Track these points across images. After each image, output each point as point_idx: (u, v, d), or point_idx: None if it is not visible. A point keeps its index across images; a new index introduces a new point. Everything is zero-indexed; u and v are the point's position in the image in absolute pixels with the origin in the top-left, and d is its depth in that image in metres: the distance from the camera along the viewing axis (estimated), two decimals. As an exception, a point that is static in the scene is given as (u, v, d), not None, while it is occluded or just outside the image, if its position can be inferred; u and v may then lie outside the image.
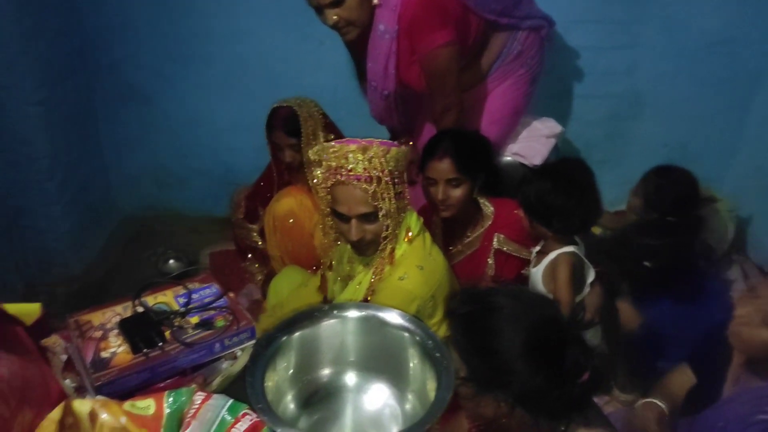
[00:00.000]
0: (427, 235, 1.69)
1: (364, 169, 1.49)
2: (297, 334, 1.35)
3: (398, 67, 2.21)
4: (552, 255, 1.87)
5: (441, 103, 2.19)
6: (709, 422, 1.46)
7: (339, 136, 2.29)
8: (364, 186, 1.49)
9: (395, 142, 1.67)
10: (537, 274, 1.91)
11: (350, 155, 1.50)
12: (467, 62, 2.29)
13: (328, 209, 1.59)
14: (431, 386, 1.27)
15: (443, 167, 1.92)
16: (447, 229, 2.15)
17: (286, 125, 2.24)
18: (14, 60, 2.30)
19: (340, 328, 1.39)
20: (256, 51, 2.81)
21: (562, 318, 1.19)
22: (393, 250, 1.59)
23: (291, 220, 2.29)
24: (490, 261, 2.05)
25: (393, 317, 1.37)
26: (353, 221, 1.54)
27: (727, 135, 2.80)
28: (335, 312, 1.40)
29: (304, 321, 1.37)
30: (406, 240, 1.61)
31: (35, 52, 2.37)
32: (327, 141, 2.07)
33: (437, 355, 1.29)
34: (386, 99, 2.33)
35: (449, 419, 1.45)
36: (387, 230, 1.56)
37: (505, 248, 2.03)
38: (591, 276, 1.91)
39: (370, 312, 1.39)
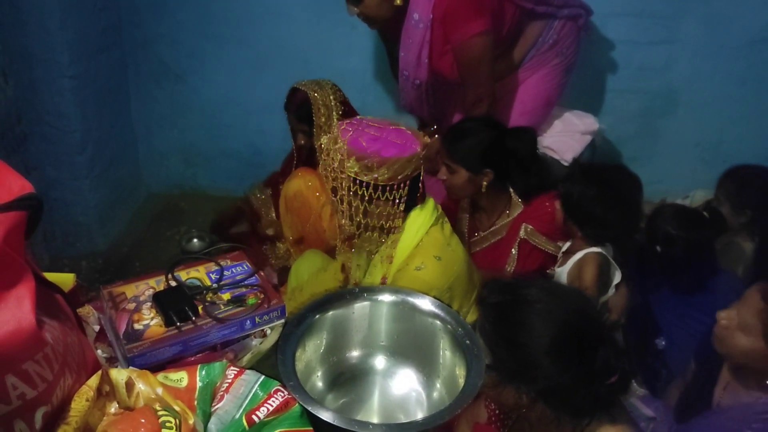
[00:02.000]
0: (447, 225, 1.68)
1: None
2: (329, 314, 1.36)
3: (431, 56, 2.20)
4: (579, 254, 1.86)
5: (473, 93, 2.17)
6: None
7: None
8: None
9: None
10: (563, 273, 1.90)
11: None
12: (501, 51, 2.27)
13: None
14: (460, 374, 1.27)
15: (441, 150, 1.97)
16: (475, 216, 2.15)
17: (298, 110, 2.23)
18: (52, 34, 2.33)
19: (372, 311, 1.39)
20: (288, 33, 2.81)
21: (598, 317, 1.17)
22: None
23: (299, 200, 2.29)
24: (514, 251, 2.04)
25: (425, 303, 1.37)
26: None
27: (763, 136, 2.74)
28: (366, 295, 1.40)
29: (335, 302, 1.37)
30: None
31: (73, 26, 2.40)
32: None
33: (467, 342, 1.29)
34: (418, 88, 2.32)
35: (469, 406, 1.45)
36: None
37: (531, 239, 2.01)
38: (617, 278, 1.89)
39: (403, 297, 1.38)
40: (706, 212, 2.04)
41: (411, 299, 1.38)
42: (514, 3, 2.16)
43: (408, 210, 1.66)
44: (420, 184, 1.67)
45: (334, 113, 2.24)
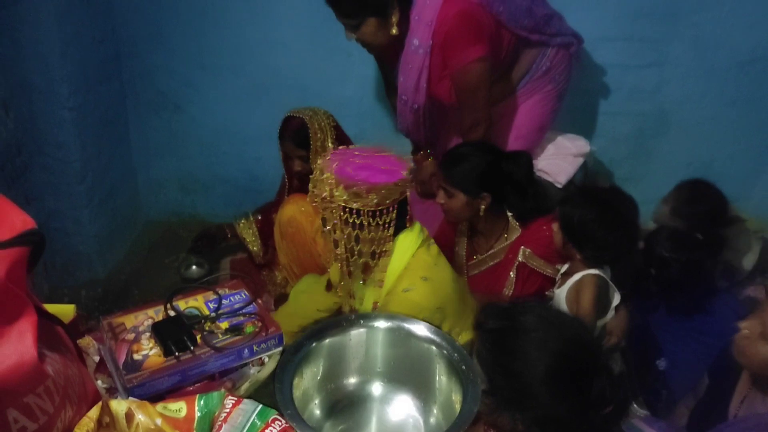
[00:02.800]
0: (433, 246, 1.72)
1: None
2: (325, 341, 1.37)
3: (429, 81, 2.23)
4: (577, 276, 1.87)
5: (470, 117, 2.20)
6: None
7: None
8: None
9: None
10: (561, 295, 1.91)
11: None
12: (497, 77, 2.31)
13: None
14: (456, 399, 1.28)
15: (439, 174, 2.01)
16: (473, 240, 2.17)
17: (295, 136, 2.28)
18: (53, 66, 2.36)
19: (368, 338, 1.41)
20: (285, 62, 2.85)
21: (594, 346, 1.18)
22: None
23: (294, 226, 2.31)
24: (512, 275, 2.05)
25: (420, 329, 1.38)
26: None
27: (753, 155, 2.78)
28: (362, 321, 1.42)
29: (331, 329, 1.39)
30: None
31: (72, 58, 2.43)
32: None
33: (463, 368, 1.30)
34: (416, 113, 2.35)
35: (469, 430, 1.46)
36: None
37: (530, 263, 2.03)
38: (616, 299, 1.91)
39: (398, 323, 1.40)
40: (700, 234, 2.06)
41: (406, 325, 1.40)
42: (511, 31, 2.21)
43: (397, 234, 1.69)
44: (407, 207, 1.71)
45: (328, 137, 2.28)
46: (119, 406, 1.08)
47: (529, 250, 2.03)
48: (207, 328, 1.43)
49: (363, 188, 1.60)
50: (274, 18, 2.76)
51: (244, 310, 1.50)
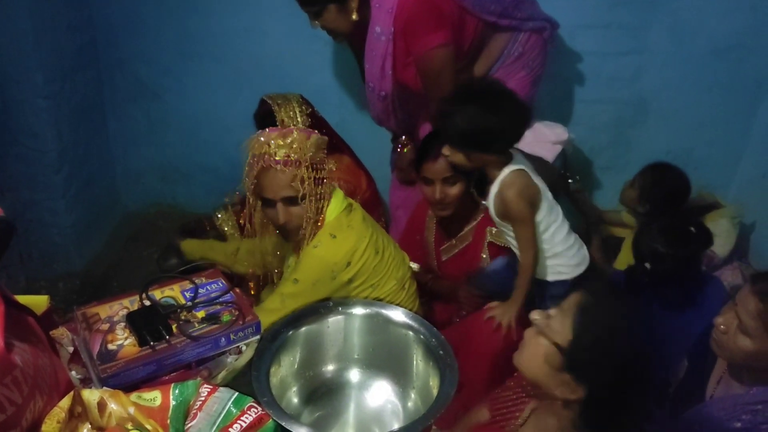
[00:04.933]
0: (356, 212, 1.76)
1: (286, 154, 1.61)
2: (302, 329, 1.37)
3: (395, 68, 2.23)
4: (498, 179, 1.78)
5: (437, 103, 2.20)
6: (688, 424, 1.48)
7: (326, 134, 2.31)
8: (286, 170, 1.61)
9: (314, 131, 1.75)
10: (489, 205, 1.83)
11: (272, 142, 1.61)
12: (465, 64, 2.30)
13: (257, 199, 1.71)
14: (434, 383, 1.29)
15: (439, 167, 1.92)
16: (443, 224, 2.16)
17: (262, 122, 2.29)
18: (27, 54, 2.33)
19: (346, 325, 1.41)
20: (265, 49, 2.82)
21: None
22: (314, 232, 1.69)
23: None
24: (485, 255, 2.05)
25: (398, 315, 1.38)
26: (278, 205, 1.65)
27: (732, 142, 2.80)
28: (340, 308, 1.42)
29: (309, 317, 1.39)
30: (319, 224, 1.71)
31: (47, 46, 2.39)
32: None
33: (441, 352, 1.31)
34: (383, 100, 2.35)
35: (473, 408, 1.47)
36: (309, 213, 1.66)
37: (497, 241, 2.03)
38: (547, 193, 1.83)
39: (375, 309, 1.40)
40: (693, 228, 2.08)
41: (384, 311, 1.40)
42: (476, 16, 2.20)
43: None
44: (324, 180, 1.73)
45: (299, 125, 2.28)
46: (91, 395, 1.07)
47: (495, 228, 2.01)
48: (183, 318, 1.42)
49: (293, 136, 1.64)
50: (254, 5, 2.73)
51: (221, 299, 1.49)
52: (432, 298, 2.21)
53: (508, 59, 2.34)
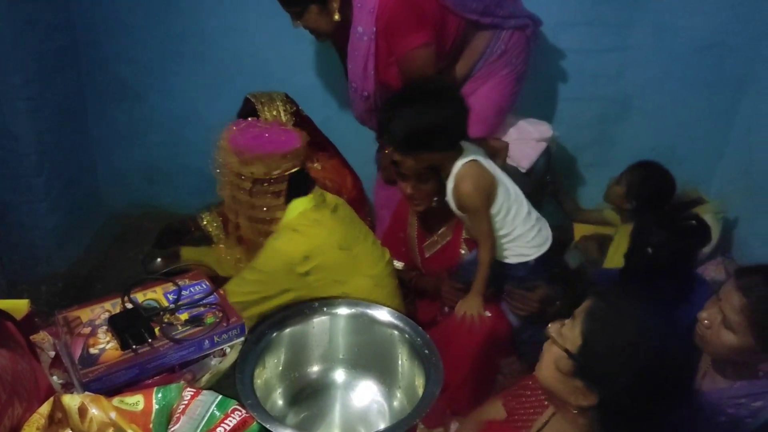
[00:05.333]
0: (326, 209, 1.78)
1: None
2: (287, 330, 1.36)
3: (377, 67, 2.23)
4: (452, 174, 1.78)
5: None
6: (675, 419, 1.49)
7: (310, 133, 2.30)
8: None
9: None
10: (450, 202, 1.84)
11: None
12: (448, 62, 2.31)
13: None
14: (419, 383, 1.29)
15: (409, 163, 1.88)
16: (424, 221, 2.16)
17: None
18: (4, 55, 2.29)
19: (331, 325, 1.40)
20: (248, 49, 2.80)
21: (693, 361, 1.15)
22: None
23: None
24: (463, 251, 2.06)
25: (383, 315, 1.38)
26: None
27: (714, 138, 2.82)
28: (325, 309, 1.41)
29: (294, 318, 1.38)
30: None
31: (26, 47, 2.36)
32: None
33: (426, 351, 1.31)
34: (366, 100, 2.34)
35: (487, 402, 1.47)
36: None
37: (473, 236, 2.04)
38: (502, 177, 1.84)
39: (360, 309, 1.39)
40: (694, 221, 2.09)
41: (369, 311, 1.39)
42: (458, 15, 2.20)
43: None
44: (306, 179, 1.78)
45: (283, 123, 2.27)
46: (72, 400, 1.06)
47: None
48: (166, 320, 1.40)
49: (251, 156, 1.70)
50: (237, 5, 2.71)
51: (204, 301, 1.48)
52: (417, 296, 2.22)
53: (491, 57, 2.35)
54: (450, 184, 1.80)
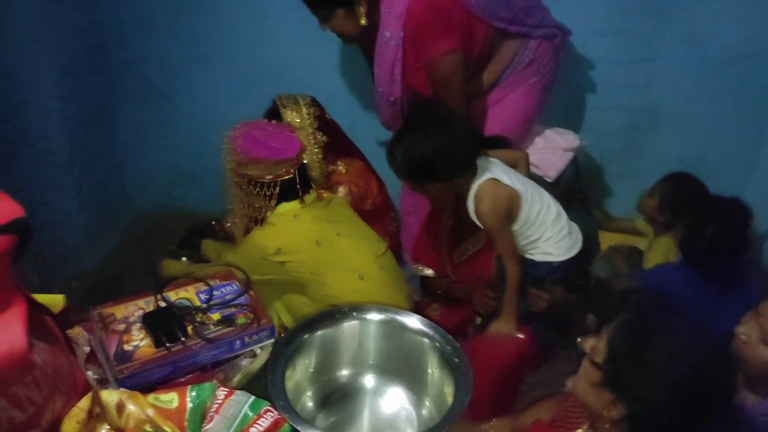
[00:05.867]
0: (305, 212, 1.88)
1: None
2: (317, 333, 1.36)
3: (404, 73, 2.23)
4: (470, 196, 1.76)
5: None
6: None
7: (335, 137, 2.34)
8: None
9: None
10: (474, 220, 1.83)
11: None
12: (476, 70, 2.30)
13: None
14: (449, 391, 1.28)
15: (421, 190, 1.90)
16: (456, 229, 2.16)
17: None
18: (37, 55, 2.32)
19: (361, 330, 1.40)
20: (275, 52, 2.82)
21: (728, 386, 1.14)
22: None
23: None
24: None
25: (413, 322, 1.37)
26: None
27: (745, 150, 2.78)
28: (356, 314, 1.41)
29: (324, 321, 1.38)
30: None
31: (57, 48, 2.39)
32: (317, 143, 2.22)
33: (456, 360, 1.30)
34: (393, 105, 2.35)
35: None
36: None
37: None
38: (525, 187, 1.82)
39: (390, 316, 1.39)
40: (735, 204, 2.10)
41: (399, 318, 1.39)
42: (486, 22, 2.20)
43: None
44: (296, 186, 1.89)
45: (307, 126, 2.29)
46: (110, 396, 1.07)
47: None
48: (198, 320, 1.41)
49: (245, 159, 1.82)
50: (264, 7, 2.73)
51: (235, 302, 1.48)
52: (447, 302, 2.21)
53: (519, 66, 2.34)
54: (470, 205, 1.80)
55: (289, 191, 1.88)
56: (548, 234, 1.82)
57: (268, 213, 1.88)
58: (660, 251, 2.43)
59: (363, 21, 2.17)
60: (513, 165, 1.98)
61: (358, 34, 2.23)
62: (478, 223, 1.82)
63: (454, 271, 2.18)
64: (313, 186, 2.02)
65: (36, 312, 1.09)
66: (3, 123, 2.30)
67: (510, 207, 1.77)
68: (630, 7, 2.58)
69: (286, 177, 1.86)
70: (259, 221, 1.90)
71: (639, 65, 2.71)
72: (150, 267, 2.58)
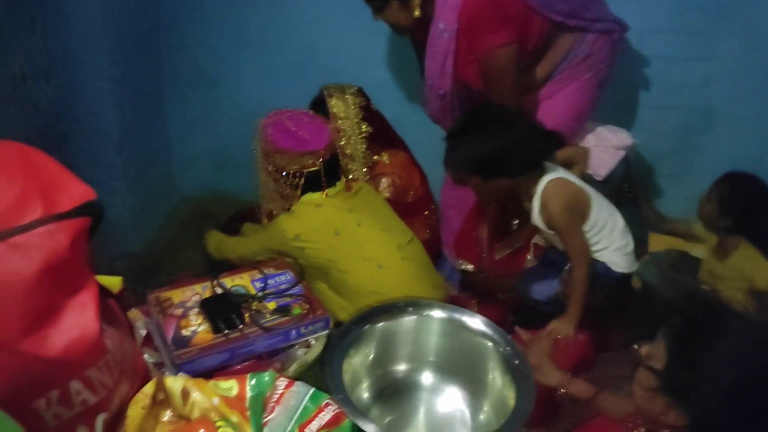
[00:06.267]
0: (329, 202, 1.91)
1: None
2: (375, 326, 1.34)
3: (456, 66, 2.20)
4: (537, 194, 1.74)
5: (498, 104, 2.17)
6: None
7: (380, 128, 2.35)
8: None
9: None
10: (538, 223, 1.80)
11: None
12: (530, 63, 2.26)
13: None
14: (509, 395, 1.25)
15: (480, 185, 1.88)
16: (499, 224, 2.14)
17: (314, 110, 2.29)
18: (94, 36, 2.35)
19: (421, 326, 1.38)
20: (322, 41, 2.81)
21: None
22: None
23: None
24: (529, 257, 2.03)
25: (475, 322, 1.35)
26: None
27: (803, 155, 2.70)
28: (416, 310, 1.39)
29: (382, 315, 1.36)
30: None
31: (113, 30, 2.42)
32: (362, 133, 2.26)
33: (516, 362, 1.27)
34: (442, 98, 2.32)
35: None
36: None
37: (541, 242, 2.00)
38: (596, 195, 1.79)
39: (452, 314, 1.37)
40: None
41: (461, 317, 1.36)
42: (543, 15, 2.15)
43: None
44: (323, 178, 1.90)
45: (352, 116, 2.27)
46: (175, 382, 1.07)
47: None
48: (254, 308, 1.41)
49: (272, 148, 1.87)
50: (314, -3, 2.72)
51: (290, 291, 1.48)
52: (485, 298, 2.19)
53: (575, 60, 2.29)
54: (536, 204, 1.76)
55: (316, 182, 1.90)
56: (617, 244, 1.79)
57: (295, 201, 1.91)
58: (741, 261, 2.27)
59: (417, 12, 2.15)
60: (571, 163, 1.95)
61: (411, 26, 2.22)
62: (540, 224, 1.79)
63: (493, 266, 2.16)
64: (343, 177, 2.03)
65: (102, 295, 1.10)
66: (58, 103, 2.33)
67: (580, 206, 1.75)
68: (690, 5, 2.51)
69: (312, 169, 1.87)
70: (286, 209, 1.94)
71: (696, 64, 2.63)
72: (197, 247, 2.62)
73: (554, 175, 1.75)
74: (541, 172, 1.75)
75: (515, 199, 2.00)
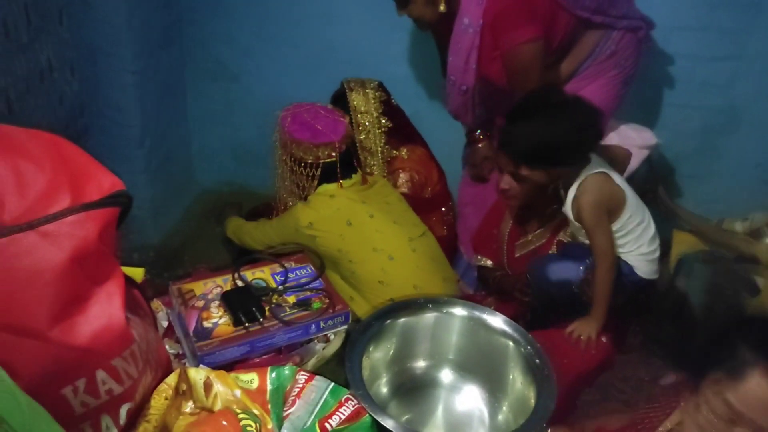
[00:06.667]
0: (343, 193, 1.95)
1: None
2: (398, 322, 1.35)
3: (480, 61, 2.18)
4: (575, 184, 1.72)
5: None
6: None
7: (400, 123, 2.35)
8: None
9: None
10: (569, 212, 1.79)
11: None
12: (555, 60, 2.24)
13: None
14: (530, 395, 1.24)
15: (532, 174, 1.84)
16: (521, 220, 2.12)
17: (334, 103, 2.30)
18: (118, 29, 2.36)
19: (441, 323, 1.37)
20: (345, 36, 2.80)
21: None
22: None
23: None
24: (551, 251, 2.01)
25: (496, 321, 1.34)
26: None
27: (829, 161, 2.65)
28: (437, 307, 1.38)
29: (403, 311, 1.36)
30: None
31: (137, 22, 2.43)
32: (381, 127, 2.27)
33: (537, 362, 1.26)
34: (464, 94, 2.30)
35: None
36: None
37: (565, 238, 1.98)
38: (632, 195, 1.77)
39: (473, 312, 1.36)
40: None
41: (482, 315, 1.36)
42: (570, 11, 2.13)
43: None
44: (338, 170, 1.94)
45: (372, 111, 2.26)
46: (197, 374, 1.07)
47: (568, 229, 1.96)
48: (275, 301, 1.42)
49: (289, 139, 1.93)
50: (336, -9, 2.72)
51: (310, 285, 1.48)
52: (500, 295, 2.18)
53: (600, 57, 2.26)
54: (571, 194, 1.75)
55: (332, 174, 1.95)
56: (644, 249, 1.77)
57: (311, 192, 1.96)
58: None
59: (442, 7, 2.13)
60: (613, 163, 1.93)
61: (435, 21, 2.20)
62: (570, 214, 1.77)
63: (512, 264, 2.15)
64: (359, 169, 2.08)
65: (128, 285, 1.11)
66: (83, 96, 2.36)
67: (612, 204, 1.73)
68: (718, 2, 2.46)
69: (328, 160, 1.93)
70: (303, 199, 1.99)
71: (722, 63, 2.59)
72: (215, 239, 2.64)
73: (599, 169, 1.73)
74: (587, 163, 1.74)
75: (543, 198, 1.99)
